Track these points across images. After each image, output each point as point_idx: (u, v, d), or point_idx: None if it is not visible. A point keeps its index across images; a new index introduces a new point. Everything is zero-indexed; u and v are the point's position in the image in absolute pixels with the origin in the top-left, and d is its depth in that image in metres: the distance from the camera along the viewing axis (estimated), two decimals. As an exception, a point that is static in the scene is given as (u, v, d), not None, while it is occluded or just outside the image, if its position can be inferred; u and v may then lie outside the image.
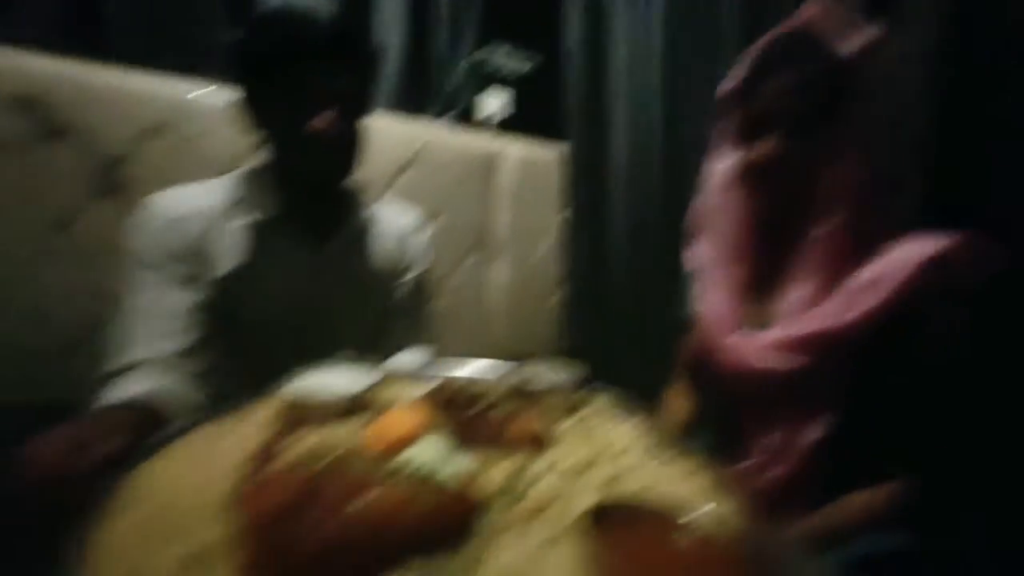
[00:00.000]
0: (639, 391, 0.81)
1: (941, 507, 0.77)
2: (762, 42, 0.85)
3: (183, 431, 0.57)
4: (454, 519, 0.42)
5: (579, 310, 2.07)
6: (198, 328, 0.86)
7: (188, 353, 0.83)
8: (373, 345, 1.15)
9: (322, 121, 0.81)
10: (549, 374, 0.74)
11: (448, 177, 1.78)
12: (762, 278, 0.90)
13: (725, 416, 0.95)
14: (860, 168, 0.77)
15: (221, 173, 1.30)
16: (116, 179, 1.24)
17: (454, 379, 0.67)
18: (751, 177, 0.86)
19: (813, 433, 0.81)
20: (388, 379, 0.75)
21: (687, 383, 1.10)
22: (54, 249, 1.22)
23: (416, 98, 1.87)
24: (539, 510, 0.47)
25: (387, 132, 1.55)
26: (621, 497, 0.42)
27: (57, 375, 1.24)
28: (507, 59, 1.97)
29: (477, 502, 0.45)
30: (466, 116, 1.95)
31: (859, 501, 0.79)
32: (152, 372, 0.78)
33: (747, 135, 0.84)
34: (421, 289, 1.14)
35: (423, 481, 0.42)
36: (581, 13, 2.00)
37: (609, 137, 2.06)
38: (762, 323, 0.88)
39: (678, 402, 1.07)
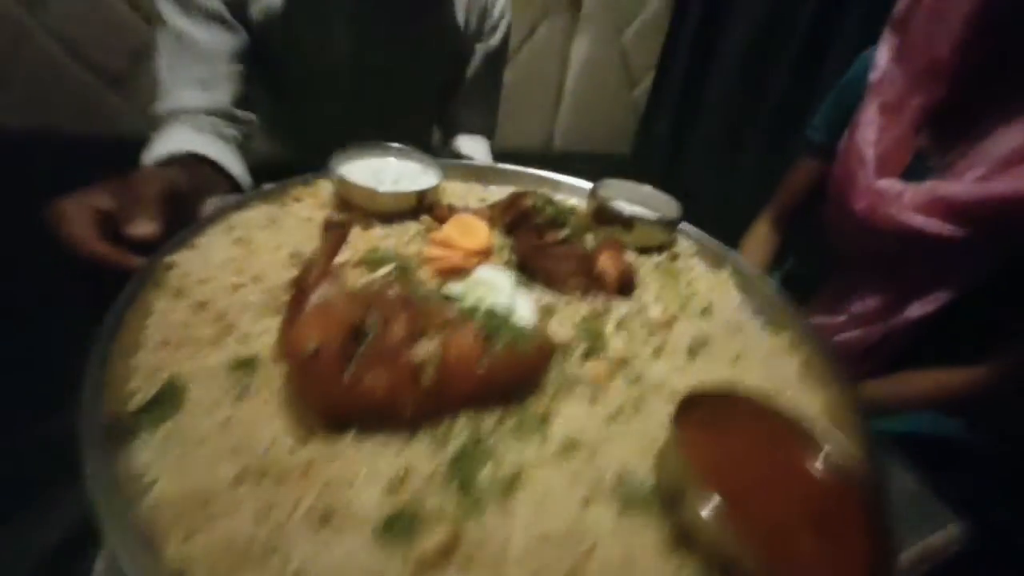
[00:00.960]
0: (718, 228, 0.69)
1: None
2: None
3: (239, 203, 0.51)
4: (525, 369, 0.37)
5: (664, 113, 1.75)
6: (240, 77, 0.75)
7: (231, 105, 0.74)
8: (431, 116, 1.02)
9: None
10: (634, 203, 0.62)
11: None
12: (957, 115, 0.66)
13: (819, 268, 0.83)
14: None
15: None
16: None
17: (526, 193, 0.56)
18: None
19: (925, 306, 0.69)
20: (451, 174, 0.65)
21: (777, 224, 0.94)
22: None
23: None
24: (616, 368, 0.42)
25: None
26: (705, 389, 0.35)
27: (106, 106, 1.20)
28: None
29: (550, 351, 0.39)
30: None
31: (933, 377, 0.72)
32: (196, 124, 0.71)
33: None
34: (496, 61, 0.95)
35: (492, 327, 0.36)
36: None
37: None
38: (930, 174, 0.68)
39: (758, 244, 0.94)
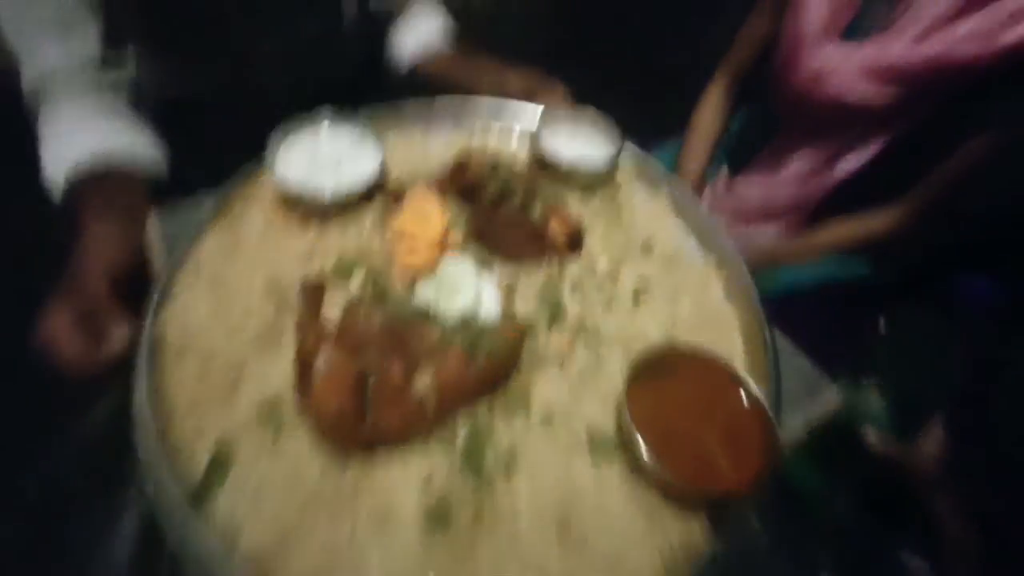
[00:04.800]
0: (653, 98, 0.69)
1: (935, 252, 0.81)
2: None
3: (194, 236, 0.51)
4: (505, 364, 0.45)
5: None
6: (99, 10, 0.62)
7: (101, 52, 0.63)
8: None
9: None
10: (578, 139, 0.63)
11: None
12: None
13: (761, 130, 0.88)
14: None
15: None
16: None
17: (471, 158, 0.57)
18: None
19: (856, 161, 0.77)
20: (386, 126, 0.63)
21: (730, 88, 0.94)
22: None
23: None
24: (575, 335, 0.50)
25: None
26: (648, 353, 0.44)
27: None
28: None
29: (521, 338, 0.47)
30: None
31: (850, 224, 0.82)
32: (80, 104, 0.61)
33: None
34: None
35: (471, 343, 0.43)
36: None
37: None
38: (871, 30, 0.70)
39: (713, 113, 0.95)
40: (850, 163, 0.77)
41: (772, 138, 0.86)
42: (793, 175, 0.83)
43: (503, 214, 0.54)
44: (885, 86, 0.68)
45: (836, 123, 0.75)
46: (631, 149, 0.66)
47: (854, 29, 0.71)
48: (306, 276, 0.47)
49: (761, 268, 0.62)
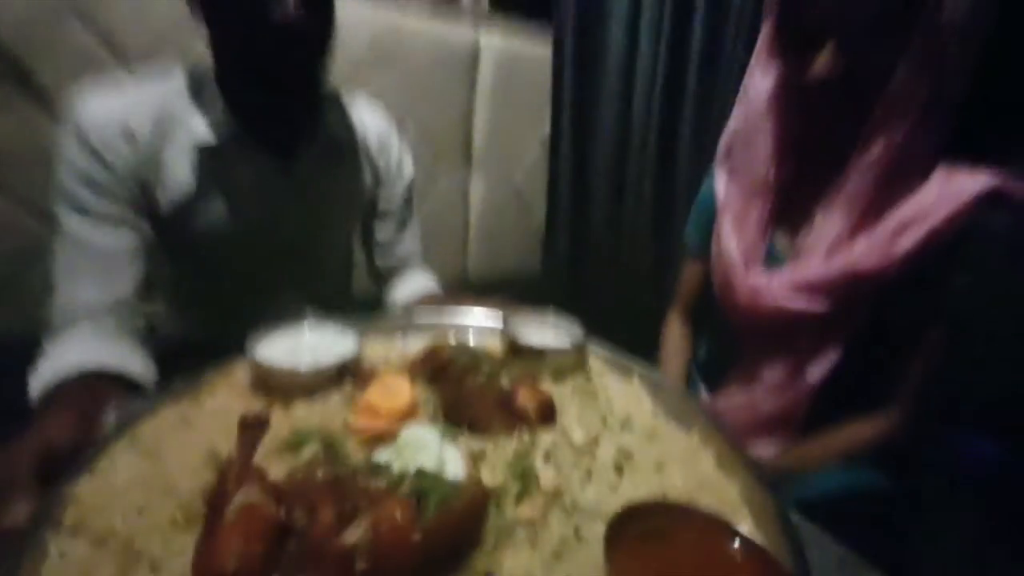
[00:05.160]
0: (625, 326, 0.76)
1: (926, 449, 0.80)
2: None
3: (146, 409, 0.49)
4: (463, 526, 0.37)
5: (560, 235, 1.97)
6: (142, 268, 0.75)
7: (133, 297, 0.73)
8: (347, 257, 1.06)
9: (283, 7, 0.65)
10: (545, 330, 0.68)
11: (423, 74, 1.55)
12: (791, 210, 0.83)
13: (728, 351, 0.93)
14: (924, 85, 0.66)
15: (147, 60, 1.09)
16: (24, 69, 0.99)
17: (443, 345, 0.60)
18: (801, 96, 0.73)
19: (822, 368, 0.79)
20: (369, 333, 0.68)
21: (685, 319, 1.06)
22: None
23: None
24: (551, 502, 0.43)
25: (353, 19, 1.31)
26: (636, 503, 0.38)
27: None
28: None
29: (484, 500, 0.40)
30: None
31: (847, 431, 0.80)
32: (96, 326, 0.69)
33: (795, 44, 0.70)
34: (407, 195, 1.03)
35: (422, 490, 0.37)
36: None
37: (606, 28, 1.79)
38: (786, 258, 0.83)
39: (676, 340, 1.05)
40: (820, 367, 0.80)
41: (739, 355, 0.92)
42: (768, 387, 0.85)
43: (470, 385, 0.54)
44: (815, 297, 0.77)
45: (790, 331, 0.82)
46: (600, 346, 0.70)
47: (772, 258, 0.85)
48: (247, 412, 0.43)
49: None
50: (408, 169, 1.03)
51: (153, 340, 0.77)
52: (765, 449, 0.85)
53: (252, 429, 0.38)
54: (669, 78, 1.73)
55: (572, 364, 0.65)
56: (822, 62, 0.66)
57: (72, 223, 0.70)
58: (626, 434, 0.54)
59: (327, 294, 1.00)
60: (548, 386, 0.60)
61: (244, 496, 0.33)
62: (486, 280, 1.89)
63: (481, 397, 0.53)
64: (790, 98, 0.76)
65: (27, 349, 0.66)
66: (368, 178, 0.96)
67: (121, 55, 1.08)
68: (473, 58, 1.66)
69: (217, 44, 0.73)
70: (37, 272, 0.74)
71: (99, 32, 1.05)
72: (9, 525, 0.38)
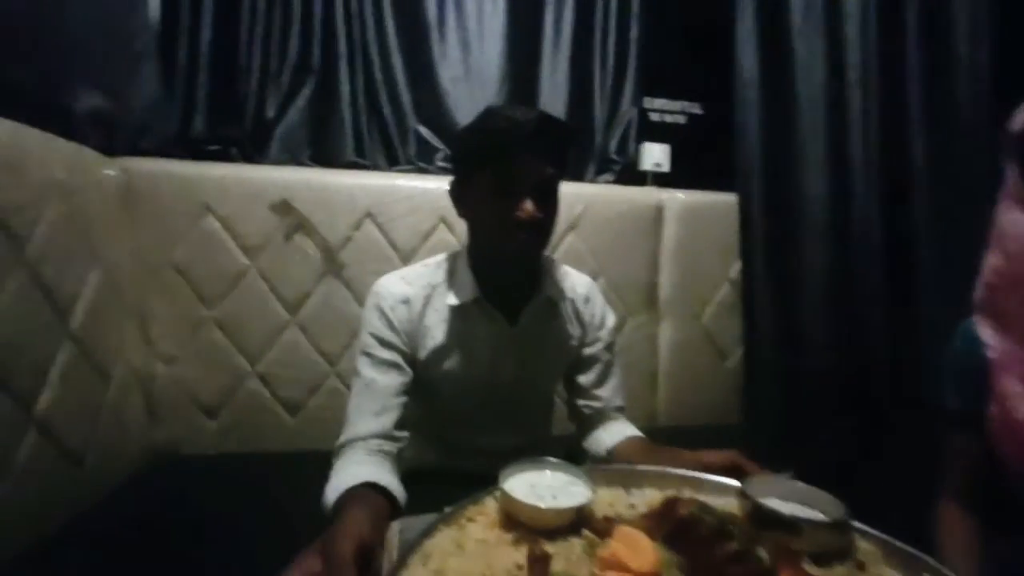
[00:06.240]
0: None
1: None
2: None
3: (426, 531, 0.58)
4: None
5: (761, 378, 1.81)
6: (403, 405, 0.93)
7: (393, 428, 0.90)
8: (550, 408, 1.17)
9: (526, 208, 0.86)
10: (790, 501, 0.61)
11: (611, 235, 1.74)
12: None
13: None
14: None
15: (414, 251, 1.49)
16: (337, 261, 1.48)
17: (679, 500, 0.59)
18: None
19: None
20: (594, 481, 0.69)
21: (967, 503, 0.84)
22: (288, 323, 1.48)
23: (577, 158, 1.89)
24: None
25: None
26: None
27: (283, 429, 1.47)
28: (664, 112, 2.01)
29: None
30: (627, 171, 1.93)
31: None
32: (369, 450, 0.85)
33: None
34: (608, 349, 1.12)
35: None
36: (754, 45, 1.81)
37: (798, 177, 1.80)
38: None
39: (960, 533, 0.82)
40: None
41: None
42: None
43: (722, 553, 0.50)
44: None
45: None
46: (868, 529, 0.60)
47: None
48: (531, 548, 0.47)
49: None
50: (610, 319, 1.13)
51: (399, 462, 0.91)
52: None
53: (540, 563, 0.42)
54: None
55: (836, 545, 0.56)
56: None
57: (367, 370, 0.93)
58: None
59: (532, 434, 1.08)
60: (812, 569, 0.52)
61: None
62: (676, 428, 1.79)
63: (735, 566, 0.49)
64: None
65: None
66: (576, 329, 1.07)
67: (400, 250, 1.53)
68: (657, 212, 1.81)
69: (475, 235, 0.98)
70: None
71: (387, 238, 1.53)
72: None
